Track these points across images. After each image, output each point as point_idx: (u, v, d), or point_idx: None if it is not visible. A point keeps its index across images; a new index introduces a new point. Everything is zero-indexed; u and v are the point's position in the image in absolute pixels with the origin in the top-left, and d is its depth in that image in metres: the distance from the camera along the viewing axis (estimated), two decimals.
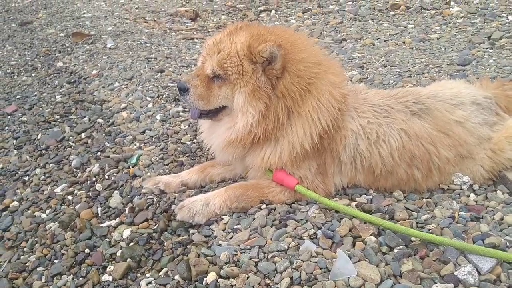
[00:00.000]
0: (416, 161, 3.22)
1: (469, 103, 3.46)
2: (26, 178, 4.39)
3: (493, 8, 7.90)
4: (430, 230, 2.81)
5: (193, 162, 3.99)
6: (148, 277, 2.79)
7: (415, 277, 2.42)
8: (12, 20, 11.76)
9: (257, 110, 2.96)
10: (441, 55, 6.21)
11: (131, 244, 3.09)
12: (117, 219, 3.40)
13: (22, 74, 7.68)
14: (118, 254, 3.03)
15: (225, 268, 2.64)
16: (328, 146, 3.17)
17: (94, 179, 4.05)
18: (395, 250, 2.66)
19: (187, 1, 11.91)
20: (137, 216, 3.35)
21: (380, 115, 3.26)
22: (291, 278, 2.51)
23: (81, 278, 2.94)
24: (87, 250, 3.15)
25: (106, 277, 2.88)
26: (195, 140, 4.34)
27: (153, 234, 3.15)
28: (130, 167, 4.06)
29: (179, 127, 4.69)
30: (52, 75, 7.27)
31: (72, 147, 4.75)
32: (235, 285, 2.54)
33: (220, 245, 2.86)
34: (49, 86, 6.84)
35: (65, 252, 3.20)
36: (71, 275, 3.00)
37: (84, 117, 5.41)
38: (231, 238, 2.92)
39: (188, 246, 2.94)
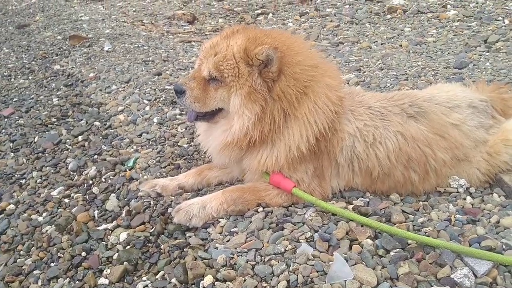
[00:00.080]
0: (413, 163, 3.23)
1: (465, 106, 3.47)
2: (23, 181, 4.38)
3: (489, 12, 7.93)
4: (427, 233, 2.81)
5: (190, 165, 3.98)
6: (145, 280, 2.78)
7: (412, 280, 2.42)
8: (10, 23, 11.75)
9: (253, 113, 2.96)
10: (438, 58, 6.23)
11: (128, 247, 3.09)
12: (114, 222, 3.39)
13: (19, 77, 7.67)
14: (114, 257, 3.02)
15: (221, 271, 2.63)
16: (325, 148, 3.17)
17: (91, 182, 4.04)
18: (392, 253, 2.67)
19: (185, 4, 11.92)
20: (134, 219, 3.34)
21: (376, 118, 3.26)
22: (288, 281, 2.50)
23: (77, 282, 2.92)
24: (83, 253, 3.13)
25: (102, 281, 2.87)
26: (192, 143, 4.34)
27: (150, 237, 3.14)
28: (127, 170, 4.06)
29: (176, 130, 4.68)
30: (49, 78, 7.27)
31: (69, 150, 4.75)
32: None
33: (217, 248, 2.86)
34: (46, 89, 6.83)
35: (62, 255, 3.19)
36: (68, 278, 2.99)
37: (81, 120, 5.41)
38: (228, 241, 2.92)
39: (185, 249, 2.93)
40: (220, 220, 3.12)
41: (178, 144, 4.39)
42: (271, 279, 2.54)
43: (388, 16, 8.74)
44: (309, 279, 2.50)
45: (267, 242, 2.82)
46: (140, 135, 4.69)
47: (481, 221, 2.97)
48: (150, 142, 4.51)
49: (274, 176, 3.17)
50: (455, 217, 2.99)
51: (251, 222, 3.04)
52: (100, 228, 3.37)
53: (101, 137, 4.87)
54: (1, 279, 3.13)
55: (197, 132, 3.69)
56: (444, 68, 5.75)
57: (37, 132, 5.34)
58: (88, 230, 3.36)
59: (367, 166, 3.21)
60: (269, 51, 2.88)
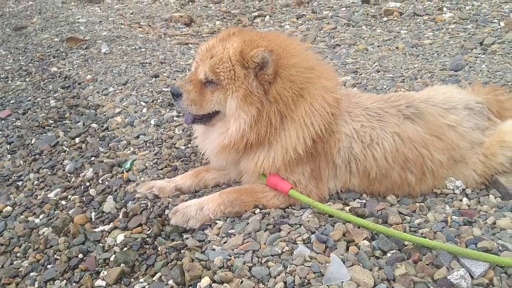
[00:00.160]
0: (409, 164, 3.24)
1: (462, 107, 3.49)
2: (20, 183, 4.37)
3: (485, 14, 7.96)
4: (423, 234, 2.82)
5: (187, 166, 3.99)
6: (142, 282, 2.78)
7: (408, 281, 2.43)
8: (7, 25, 11.74)
9: (249, 115, 2.97)
10: (434, 60, 6.25)
11: (125, 249, 3.08)
12: (111, 224, 3.39)
13: (16, 79, 7.66)
14: (111, 259, 3.01)
15: (219, 273, 2.63)
16: (322, 150, 3.18)
17: (88, 184, 4.04)
18: (389, 255, 2.67)
19: (182, 6, 11.94)
20: (131, 221, 3.34)
21: (373, 119, 3.27)
22: (285, 282, 2.51)
23: (74, 284, 2.92)
24: (80, 255, 3.13)
25: (99, 282, 2.86)
26: (189, 145, 4.34)
27: (147, 239, 3.14)
28: (124, 172, 4.06)
29: (174, 132, 4.69)
30: (46, 80, 7.26)
31: (66, 152, 4.74)
32: None
33: (214, 249, 2.86)
34: (43, 91, 6.82)
35: (59, 257, 3.18)
36: (64, 280, 2.97)
37: (78, 122, 5.40)
38: (225, 242, 2.92)
39: (182, 251, 2.93)
40: (217, 221, 3.13)
41: (175, 146, 4.39)
42: (268, 281, 2.55)
43: (385, 19, 8.76)
44: (306, 280, 2.50)
45: (264, 244, 2.83)
46: (137, 137, 4.69)
47: (478, 222, 2.98)
48: (147, 144, 4.51)
49: (271, 178, 3.18)
50: (451, 219, 3.00)
51: (248, 223, 3.04)
52: (97, 230, 3.37)
53: (98, 139, 4.86)
54: None
55: (194, 135, 3.70)
56: (440, 70, 5.77)
57: (34, 134, 5.33)
58: (85, 232, 3.36)
59: (365, 167, 3.21)
60: (264, 53, 2.89)
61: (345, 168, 3.24)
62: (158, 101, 5.53)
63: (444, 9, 8.68)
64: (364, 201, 3.26)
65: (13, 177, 4.50)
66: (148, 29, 9.95)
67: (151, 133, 4.71)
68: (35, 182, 4.30)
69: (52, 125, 5.50)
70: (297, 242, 2.80)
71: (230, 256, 2.76)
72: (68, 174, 4.29)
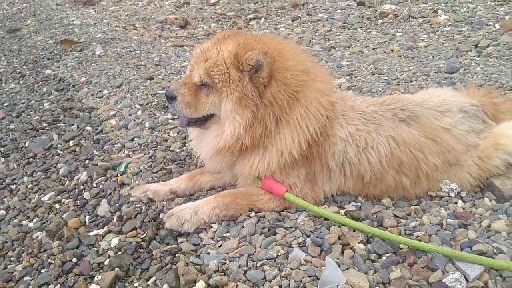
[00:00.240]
0: (404, 167, 3.24)
1: (456, 110, 3.49)
2: (13, 187, 4.35)
3: (480, 17, 7.99)
4: (418, 237, 2.82)
5: (182, 170, 3.98)
6: (136, 286, 2.77)
7: (404, 285, 2.42)
8: (0, 27, 11.70)
9: (244, 118, 2.96)
10: (429, 63, 6.27)
11: (119, 253, 3.07)
12: (105, 228, 3.38)
13: (10, 81, 7.63)
14: (106, 263, 3.00)
15: (214, 276, 2.62)
16: (317, 153, 3.17)
17: (82, 187, 4.02)
18: (384, 258, 2.67)
19: (177, 8, 11.94)
20: (125, 224, 3.33)
21: (368, 122, 3.27)
22: (280, 286, 2.49)
23: None
24: (74, 259, 3.12)
25: (93, 287, 2.86)
26: (184, 148, 4.33)
27: (142, 243, 3.13)
28: (119, 175, 4.04)
29: (168, 135, 4.67)
30: (40, 83, 7.23)
31: (60, 155, 4.73)
32: None
33: (209, 253, 2.85)
34: (37, 93, 6.80)
35: (52, 261, 3.17)
36: (58, 284, 2.97)
37: (73, 124, 5.38)
38: (220, 246, 2.91)
39: (176, 255, 2.92)
40: (212, 225, 3.11)
41: (170, 149, 4.38)
42: (263, 285, 2.54)
43: (380, 21, 8.78)
44: (301, 284, 2.49)
45: (259, 247, 2.81)
46: (132, 140, 4.67)
47: (473, 225, 2.99)
48: (142, 147, 4.49)
49: (266, 181, 3.17)
50: (446, 222, 3.00)
51: (243, 227, 3.03)
52: (91, 233, 3.35)
53: (92, 142, 4.85)
54: None
55: (189, 137, 3.68)
56: (435, 72, 5.78)
57: (28, 137, 5.31)
58: (79, 236, 3.35)
59: (359, 171, 3.21)
60: (259, 56, 2.88)
61: (339, 172, 3.24)
62: (153, 103, 5.52)
63: (439, 11, 8.70)
64: (359, 204, 3.26)
65: (6, 181, 4.48)
66: (143, 31, 9.93)
67: (145, 136, 4.69)
68: (29, 186, 4.29)
69: (46, 128, 5.48)
70: (293, 246, 2.79)
71: (225, 260, 2.75)
72: (62, 178, 4.28)
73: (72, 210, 3.69)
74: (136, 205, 3.51)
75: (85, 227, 3.47)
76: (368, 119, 3.29)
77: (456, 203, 3.29)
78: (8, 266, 3.27)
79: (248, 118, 2.95)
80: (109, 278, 2.85)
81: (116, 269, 2.92)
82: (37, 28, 10.97)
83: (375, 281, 2.47)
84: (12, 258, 3.36)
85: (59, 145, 4.91)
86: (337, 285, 2.43)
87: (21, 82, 7.51)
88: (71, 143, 4.93)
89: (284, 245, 2.81)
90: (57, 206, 3.83)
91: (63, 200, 3.89)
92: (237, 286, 2.53)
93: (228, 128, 3.03)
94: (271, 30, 9.25)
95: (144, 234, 3.19)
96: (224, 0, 12.12)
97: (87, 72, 7.17)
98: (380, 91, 5.29)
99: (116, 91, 6.11)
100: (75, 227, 3.45)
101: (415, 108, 3.40)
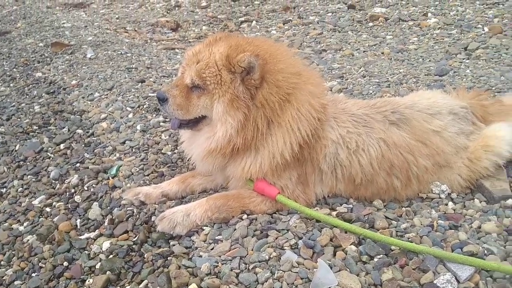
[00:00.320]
0: (395, 169, 3.26)
1: (446, 113, 3.52)
2: (3, 190, 4.31)
3: (469, 20, 8.06)
4: (410, 239, 2.84)
5: (174, 172, 3.97)
6: None
7: (395, 286, 2.44)
8: None
9: (235, 120, 2.96)
10: (419, 65, 6.31)
11: (111, 256, 3.05)
12: (96, 231, 3.36)
13: (0, 84, 7.57)
14: (97, 266, 2.98)
15: (206, 279, 2.62)
16: (308, 155, 3.18)
17: (73, 190, 4.00)
18: (375, 259, 2.68)
19: (168, 11, 11.93)
20: (117, 227, 3.31)
21: (359, 125, 3.29)
22: None
23: None
24: (65, 263, 3.09)
25: None
26: (175, 151, 4.32)
27: (133, 246, 3.11)
28: (110, 178, 4.02)
29: (160, 138, 4.66)
30: (30, 86, 7.19)
31: (51, 158, 4.69)
32: None
33: (201, 256, 2.84)
34: (27, 96, 6.75)
35: (43, 265, 3.14)
36: None
37: (63, 127, 5.35)
38: (212, 249, 2.91)
39: (168, 258, 2.91)
40: (204, 228, 3.11)
41: (162, 151, 4.37)
42: (255, 287, 2.54)
43: (370, 24, 8.83)
44: (294, 286, 2.50)
45: (252, 250, 2.82)
46: (123, 142, 4.66)
47: (463, 227, 3.01)
48: (134, 150, 4.48)
49: (258, 183, 3.17)
50: (437, 223, 3.02)
51: (235, 229, 3.03)
52: (82, 237, 3.33)
53: (83, 145, 4.82)
54: None
55: (181, 140, 3.68)
56: (425, 75, 5.82)
57: (18, 140, 5.27)
58: (70, 239, 3.32)
59: (350, 173, 3.23)
60: (251, 58, 2.89)
61: (331, 174, 3.25)
62: (144, 106, 5.50)
63: (429, 14, 8.77)
64: (351, 206, 3.27)
65: None
66: (134, 34, 9.91)
67: (137, 138, 4.68)
68: (19, 189, 4.25)
69: (37, 131, 5.44)
70: (285, 248, 2.80)
71: (217, 263, 2.75)
72: (53, 181, 4.25)
73: (63, 213, 3.66)
74: (128, 208, 3.49)
75: (76, 231, 3.45)
76: (359, 121, 3.31)
77: (446, 204, 3.31)
78: None
79: (240, 120, 2.96)
80: (101, 281, 2.83)
81: (108, 272, 2.90)
82: (27, 31, 10.90)
83: (367, 283, 2.49)
84: (2, 262, 3.32)
85: (50, 148, 4.88)
86: (329, 287, 2.44)
87: (11, 85, 7.45)
88: (62, 146, 4.91)
89: (276, 247, 2.81)
90: (48, 209, 3.80)
91: (54, 203, 3.86)
92: None
93: (220, 130, 3.03)
94: (263, 33, 9.27)
95: (136, 237, 3.18)
96: (216, 3, 12.13)
97: (78, 75, 7.13)
98: (371, 93, 5.32)
99: (107, 94, 6.09)
100: (66, 231, 3.43)
101: (406, 110, 3.43)
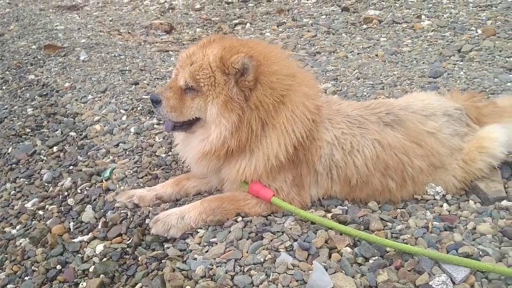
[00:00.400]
0: (390, 171, 3.26)
1: (441, 114, 3.52)
2: None
3: (462, 22, 8.10)
4: (405, 240, 2.83)
5: (168, 175, 3.95)
6: None
7: None
8: None
9: (230, 122, 2.95)
10: (413, 67, 6.33)
11: (104, 259, 3.03)
12: (90, 234, 3.33)
13: None
14: (91, 270, 2.97)
15: (200, 282, 2.60)
16: (303, 157, 3.17)
17: (66, 193, 3.98)
18: (371, 261, 2.68)
19: (162, 13, 11.91)
20: (111, 230, 3.29)
21: (354, 126, 3.29)
22: None
23: None
24: (58, 267, 3.07)
25: None
26: (170, 153, 4.30)
27: (127, 249, 3.10)
28: (103, 180, 4.00)
29: (154, 140, 4.64)
30: (23, 88, 7.14)
31: (44, 161, 4.66)
32: None
33: (195, 259, 2.83)
34: (20, 99, 6.71)
35: (36, 269, 3.12)
36: None
37: (56, 130, 5.32)
38: (206, 251, 2.89)
39: (163, 261, 2.89)
40: (198, 230, 3.09)
41: (156, 154, 4.35)
42: None
43: (364, 26, 8.86)
44: None
45: (247, 252, 2.80)
46: (117, 145, 4.63)
47: (458, 228, 3.01)
48: (127, 152, 4.45)
49: (253, 185, 3.16)
50: (432, 224, 3.02)
51: (230, 232, 3.01)
52: (75, 240, 3.31)
53: (76, 148, 4.79)
54: None
55: (175, 142, 3.67)
56: (419, 77, 5.84)
57: (11, 143, 5.23)
58: (63, 242, 3.30)
59: (346, 174, 3.22)
60: (244, 59, 2.88)
61: (326, 175, 3.24)
62: (138, 108, 5.48)
63: (423, 17, 8.81)
64: (346, 207, 3.26)
65: None
66: (127, 36, 9.89)
67: (131, 141, 4.65)
68: (12, 192, 4.22)
69: (30, 133, 5.41)
70: (280, 250, 2.78)
71: (212, 265, 2.73)
72: (46, 184, 4.22)
73: (56, 216, 3.64)
74: (122, 211, 3.47)
75: (69, 234, 3.42)
76: (353, 122, 3.31)
77: (441, 206, 3.31)
78: None
79: (234, 121, 2.95)
80: (94, 285, 2.81)
81: (102, 275, 2.88)
82: (20, 33, 10.84)
83: (363, 285, 2.48)
84: None
85: (42, 151, 4.85)
86: None
87: (4, 87, 7.41)
88: (55, 148, 4.88)
89: (271, 249, 2.80)
90: (40, 212, 3.78)
91: (46, 206, 3.84)
92: None
93: (214, 132, 3.01)
94: (257, 35, 9.28)
95: (130, 240, 3.16)
96: (210, 5, 12.13)
97: (71, 77, 7.10)
98: (365, 95, 5.32)
99: (100, 96, 6.06)
100: (59, 234, 3.41)
101: (400, 112, 3.43)
